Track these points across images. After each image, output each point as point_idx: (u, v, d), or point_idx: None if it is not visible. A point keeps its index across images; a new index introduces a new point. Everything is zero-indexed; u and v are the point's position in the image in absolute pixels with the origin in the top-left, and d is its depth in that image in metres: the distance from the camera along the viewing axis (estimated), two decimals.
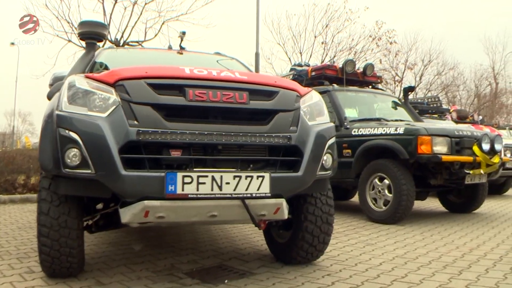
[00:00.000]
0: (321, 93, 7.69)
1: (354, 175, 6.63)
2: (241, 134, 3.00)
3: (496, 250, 4.42)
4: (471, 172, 6.06)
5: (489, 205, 8.21)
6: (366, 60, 20.55)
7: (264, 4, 23.33)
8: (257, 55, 14.06)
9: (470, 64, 42.94)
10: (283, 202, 3.11)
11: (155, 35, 14.73)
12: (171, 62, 4.74)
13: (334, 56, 20.38)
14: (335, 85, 7.54)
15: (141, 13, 14.64)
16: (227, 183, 2.85)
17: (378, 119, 7.15)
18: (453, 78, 29.98)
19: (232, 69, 3.95)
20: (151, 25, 14.85)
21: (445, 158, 5.79)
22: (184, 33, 5.35)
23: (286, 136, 3.12)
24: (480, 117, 13.88)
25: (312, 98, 3.51)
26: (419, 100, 13.24)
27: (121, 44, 13.78)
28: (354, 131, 6.68)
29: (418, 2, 55.14)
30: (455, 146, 6.01)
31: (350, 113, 7.38)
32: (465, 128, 6.55)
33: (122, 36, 14.57)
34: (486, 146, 6.20)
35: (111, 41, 13.40)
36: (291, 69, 8.80)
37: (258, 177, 2.92)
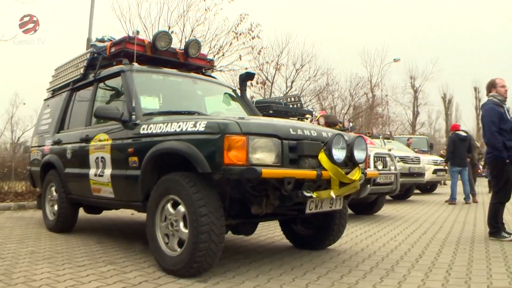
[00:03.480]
0: (114, 74, 5.27)
1: (142, 196, 4.23)
2: None
3: None
4: (314, 195, 3.74)
5: (353, 234, 6.11)
6: (224, 56, 18.18)
7: None
8: (88, 40, 11.43)
9: (345, 73, 42.75)
10: None
11: None
12: None
13: None
14: (135, 64, 5.09)
15: None
16: None
17: (191, 113, 4.81)
18: (326, 84, 28.40)
19: None
20: None
21: (267, 172, 3.40)
22: None
23: None
24: (351, 124, 12.21)
25: None
26: (276, 100, 11.21)
27: None
28: (143, 129, 4.29)
29: (294, 5, 54.31)
30: (289, 153, 3.71)
31: (152, 104, 5.00)
32: (309, 126, 4.26)
33: None
34: (339, 154, 3.95)
35: None
36: (91, 45, 6.32)
37: None
